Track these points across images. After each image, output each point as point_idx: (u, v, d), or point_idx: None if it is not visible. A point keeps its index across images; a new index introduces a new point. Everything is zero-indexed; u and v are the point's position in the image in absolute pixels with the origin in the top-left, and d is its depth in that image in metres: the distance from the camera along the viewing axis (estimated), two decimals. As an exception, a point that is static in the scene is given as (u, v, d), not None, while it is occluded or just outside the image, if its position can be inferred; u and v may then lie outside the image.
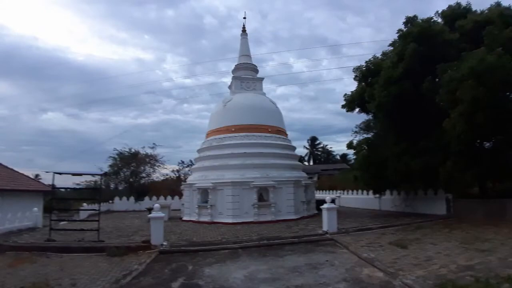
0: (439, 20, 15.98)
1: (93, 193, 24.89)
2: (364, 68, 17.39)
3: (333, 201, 12.59)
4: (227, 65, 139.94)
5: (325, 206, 12.05)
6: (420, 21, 14.73)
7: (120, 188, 34.13)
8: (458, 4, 16.06)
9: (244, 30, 22.86)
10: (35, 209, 15.50)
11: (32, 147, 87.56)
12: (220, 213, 16.54)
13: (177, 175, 38.22)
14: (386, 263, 7.39)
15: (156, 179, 35.47)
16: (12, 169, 18.44)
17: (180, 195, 21.54)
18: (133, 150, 33.10)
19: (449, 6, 16.18)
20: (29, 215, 14.84)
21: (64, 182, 23.62)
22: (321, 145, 65.37)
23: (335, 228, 11.76)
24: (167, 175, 37.35)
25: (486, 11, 14.59)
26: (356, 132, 25.33)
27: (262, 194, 16.86)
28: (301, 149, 59.42)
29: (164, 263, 8.40)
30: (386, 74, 14.43)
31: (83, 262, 8.39)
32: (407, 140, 14.67)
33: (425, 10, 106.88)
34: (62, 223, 15.54)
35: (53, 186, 12.11)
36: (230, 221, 15.77)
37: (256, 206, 16.27)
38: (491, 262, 6.96)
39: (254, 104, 19.62)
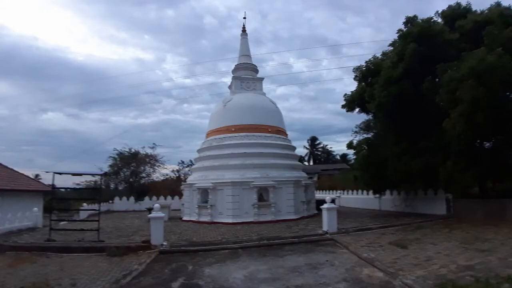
0: (439, 20, 15.99)
1: (93, 193, 24.93)
2: (364, 68, 17.39)
3: (333, 201, 12.59)
4: (227, 65, 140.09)
5: (325, 206, 12.05)
6: (420, 21, 14.73)
7: (120, 188, 34.14)
8: (458, 4, 16.07)
9: (244, 30, 22.86)
10: (35, 209, 15.50)
11: (32, 147, 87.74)
12: (220, 213, 16.54)
13: (177, 175, 38.25)
14: (386, 263, 7.39)
15: (156, 179, 35.55)
16: (12, 169, 18.43)
17: (180, 195, 21.54)
18: (133, 150, 33.13)
19: (449, 6, 16.19)
20: (29, 215, 14.84)
21: (64, 182, 23.62)
22: (321, 145, 65.54)
23: (335, 228, 11.76)
24: (167, 175, 37.45)
25: (486, 11, 14.59)
26: (356, 132, 25.40)
27: (262, 194, 16.86)
28: (301, 149, 59.55)
29: (164, 263, 8.40)
30: (386, 74, 14.44)
31: (83, 262, 8.40)
32: (407, 140, 14.67)
33: (425, 10, 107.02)
34: (62, 223, 15.55)
35: (53, 186, 12.12)
36: (230, 221, 15.77)
37: (256, 206, 16.27)
38: (491, 262, 6.96)
39: (254, 104, 19.63)
